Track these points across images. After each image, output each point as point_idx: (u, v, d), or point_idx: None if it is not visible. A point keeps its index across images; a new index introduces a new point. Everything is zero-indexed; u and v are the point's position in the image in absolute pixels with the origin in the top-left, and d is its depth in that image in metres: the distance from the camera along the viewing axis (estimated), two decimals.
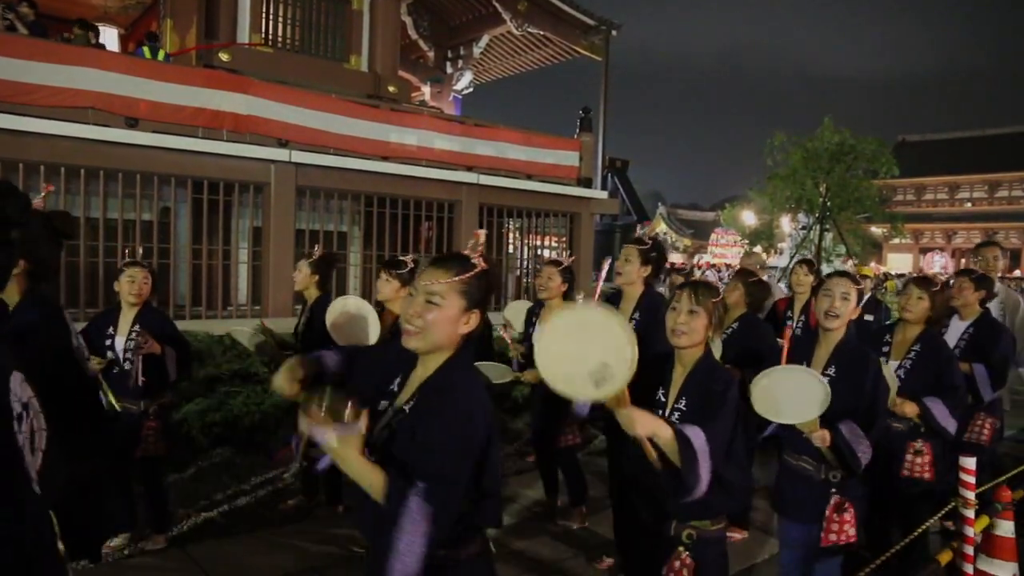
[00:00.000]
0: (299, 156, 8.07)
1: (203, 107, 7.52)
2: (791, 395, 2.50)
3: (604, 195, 12.15)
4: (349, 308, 3.70)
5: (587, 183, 11.59)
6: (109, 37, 10.34)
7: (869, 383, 2.70)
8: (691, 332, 2.29)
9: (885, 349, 3.49)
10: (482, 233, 2.08)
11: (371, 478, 1.56)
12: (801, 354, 2.88)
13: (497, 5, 12.37)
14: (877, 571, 2.63)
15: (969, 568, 2.86)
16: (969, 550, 2.86)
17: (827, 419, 2.58)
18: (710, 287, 2.35)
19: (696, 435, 2.08)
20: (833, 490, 2.69)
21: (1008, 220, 43.81)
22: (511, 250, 12.12)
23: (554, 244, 12.28)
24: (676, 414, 2.29)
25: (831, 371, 2.77)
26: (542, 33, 13.26)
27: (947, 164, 47.01)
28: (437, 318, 1.67)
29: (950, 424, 3.25)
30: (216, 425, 5.32)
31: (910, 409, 3.26)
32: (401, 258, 3.90)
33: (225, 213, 7.87)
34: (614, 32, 13.32)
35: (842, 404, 2.62)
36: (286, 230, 8.08)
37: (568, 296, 4.35)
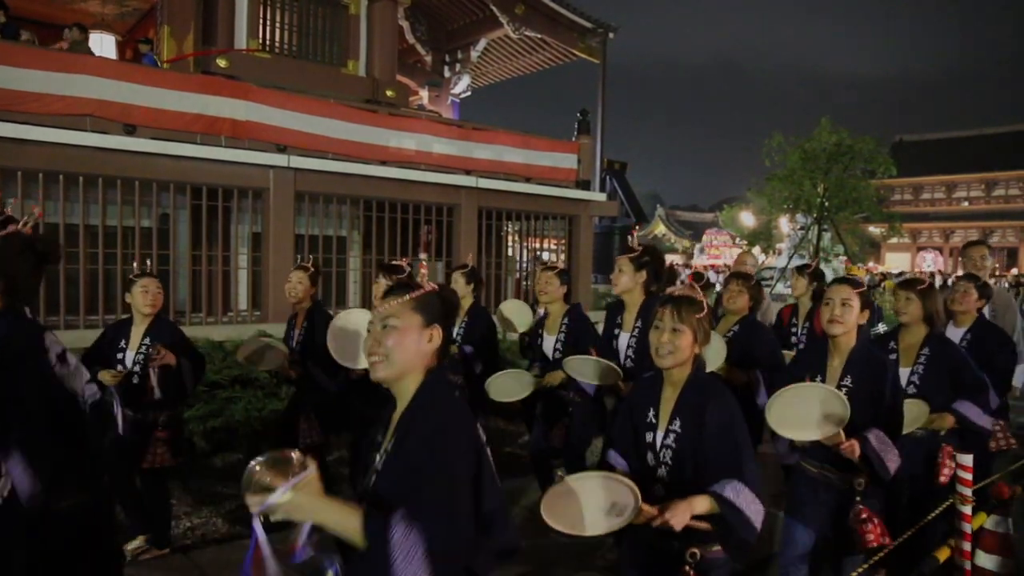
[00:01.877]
0: (298, 161, 8.09)
1: (201, 113, 7.53)
2: (809, 411, 2.48)
3: (603, 197, 12.17)
4: (350, 324, 3.64)
5: (585, 185, 11.61)
6: (106, 44, 10.35)
7: (888, 390, 2.65)
8: (676, 351, 2.20)
9: (892, 356, 3.43)
10: (425, 231, 2.12)
11: (344, 517, 1.46)
12: (813, 364, 2.86)
13: (494, 9, 12.41)
14: (876, 567, 2.63)
15: (967, 564, 2.87)
16: (967, 546, 2.88)
17: (851, 429, 2.55)
18: (694, 302, 2.25)
19: (738, 492, 2.05)
20: (858, 499, 2.65)
21: (1005, 219, 43.94)
22: (510, 253, 12.14)
23: (553, 246, 12.30)
24: (671, 436, 2.21)
25: (847, 381, 2.73)
26: (539, 36, 13.30)
27: (944, 163, 47.14)
28: (396, 340, 1.64)
29: (986, 421, 3.22)
30: (217, 431, 5.34)
31: (948, 422, 3.21)
32: (396, 262, 3.90)
33: (224, 219, 7.89)
34: (611, 35, 13.35)
35: (863, 413, 2.60)
36: (285, 235, 8.10)
37: (568, 299, 4.35)
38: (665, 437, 2.22)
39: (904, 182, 45.49)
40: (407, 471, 1.51)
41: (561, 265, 4.30)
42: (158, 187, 7.35)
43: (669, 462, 2.20)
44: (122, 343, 3.77)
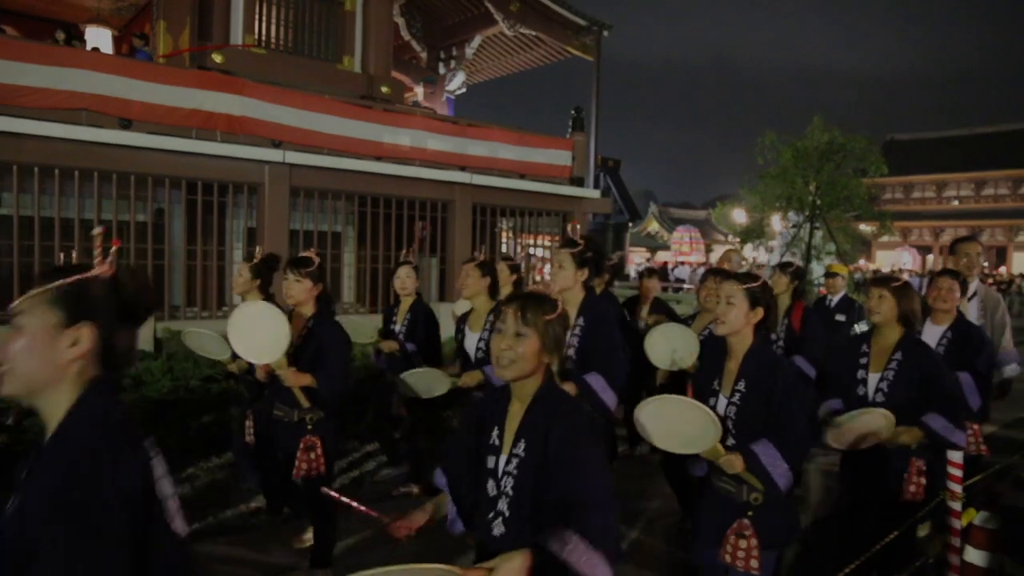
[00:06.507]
0: (293, 157, 8.09)
1: (197, 108, 7.53)
2: (682, 425, 2.28)
3: (596, 194, 12.21)
4: (256, 315, 3.25)
5: (579, 182, 11.66)
6: (102, 38, 10.29)
7: (778, 396, 2.40)
8: (519, 360, 1.82)
9: (863, 360, 3.20)
10: (98, 232, 1.64)
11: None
12: (714, 367, 2.63)
13: (489, 6, 12.41)
14: (861, 570, 2.65)
15: (956, 560, 2.93)
16: (957, 542, 2.93)
17: (744, 438, 2.40)
18: (543, 302, 1.88)
19: (564, 545, 1.64)
20: (750, 512, 2.42)
21: (994, 218, 44.20)
22: (504, 249, 12.16)
23: (547, 243, 12.33)
24: (514, 461, 1.84)
25: (741, 385, 2.48)
26: (534, 34, 13.31)
27: (935, 162, 47.34)
28: (19, 348, 1.22)
29: (958, 437, 2.96)
30: (213, 426, 5.35)
31: (911, 437, 2.97)
32: (305, 255, 3.57)
33: (219, 214, 7.88)
34: (605, 32, 13.40)
35: (755, 421, 2.42)
36: (280, 231, 8.10)
37: (493, 295, 4.14)
38: (507, 463, 1.85)
39: (895, 181, 45.70)
40: (37, 527, 1.12)
41: (517, 259, 4.10)
42: (153, 182, 7.34)
43: (510, 492, 1.83)
44: None
